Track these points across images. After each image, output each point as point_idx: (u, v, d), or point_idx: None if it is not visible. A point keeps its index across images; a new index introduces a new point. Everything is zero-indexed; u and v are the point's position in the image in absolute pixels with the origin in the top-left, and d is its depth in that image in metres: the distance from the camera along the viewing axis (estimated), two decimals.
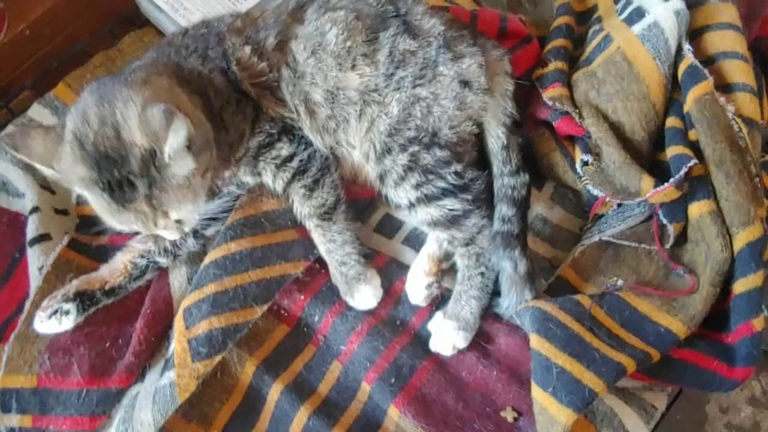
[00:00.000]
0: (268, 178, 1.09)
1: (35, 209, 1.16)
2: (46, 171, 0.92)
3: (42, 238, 1.13)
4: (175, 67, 1.02)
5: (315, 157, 1.08)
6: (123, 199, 0.89)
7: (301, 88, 1.07)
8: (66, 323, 1.03)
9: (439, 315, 1.05)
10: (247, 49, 1.06)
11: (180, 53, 1.06)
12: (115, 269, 1.09)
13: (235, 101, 1.05)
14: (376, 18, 1.08)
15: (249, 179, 1.11)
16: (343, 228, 1.08)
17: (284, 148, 1.07)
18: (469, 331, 1.03)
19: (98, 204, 0.92)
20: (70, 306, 1.03)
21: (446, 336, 1.02)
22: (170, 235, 0.99)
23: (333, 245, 1.07)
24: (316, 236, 1.08)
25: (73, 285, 1.06)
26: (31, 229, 1.14)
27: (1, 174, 1.23)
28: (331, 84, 1.06)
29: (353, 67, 1.05)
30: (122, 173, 0.88)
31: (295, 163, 1.07)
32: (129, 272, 1.09)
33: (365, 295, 1.06)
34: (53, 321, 1.03)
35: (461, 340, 1.02)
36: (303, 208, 1.08)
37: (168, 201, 0.91)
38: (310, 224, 1.08)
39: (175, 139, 0.86)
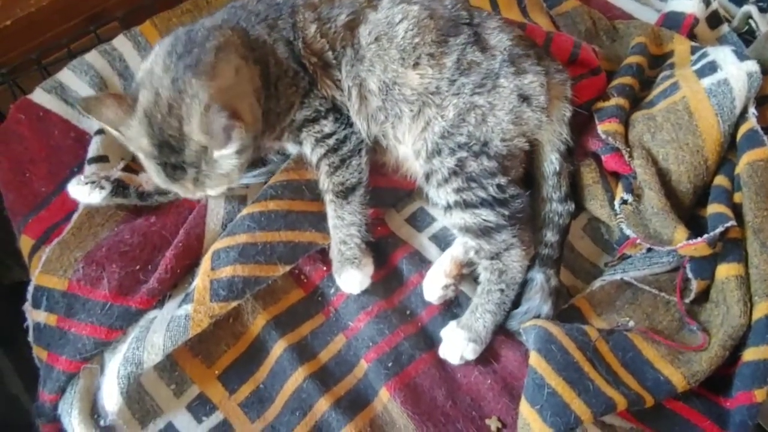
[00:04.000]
0: (307, 149, 1.13)
1: (100, 131, 1.25)
2: (113, 131, 1.03)
3: (100, 159, 1.22)
4: (242, 33, 1.08)
5: (351, 139, 1.12)
6: (173, 177, 1.02)
7: (357, 72, 1.10)
8: (94, 197, 1.12)
9: (452, 324, 1.06)
10: (314, 27, 1.10)
11: (249, 19, 1.10)
12: (150, 178, 1.16)
13: (292, 72, 1.09)
14: (449, 21, 1.10)
15: (291, 147, 1.16)
16: (355, 210, 1.10)
17: (327, 126, 1.11)
18: (479, 344, 1.04)
19: (150, 169, 1.04)
20: (107, 184, 1.12)
21: (456, 345, 1.04)
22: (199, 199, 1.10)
23: (340, 222, 1.10)
24: (329, 210, 1.11)
25: (116, 172, 1.16)
26: (93, 149, 1.23)
27: (77, 92, 1.32)
28: (389, 76, 1.08)
29: (416, 65, 1.07)
30: (177, 160, 1.00)
31: (331, 141, 1.11)
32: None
33: (351, 279, 1.09)
34: (86, 188, 1.12)
35: (470, 352, 1.03)
36: (325, 182, 1.11)
37: (210, 184, 1.04)
38: (327, 198, 1.12)
39: (227, 150, 0.98)
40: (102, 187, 1.11)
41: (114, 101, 0.99)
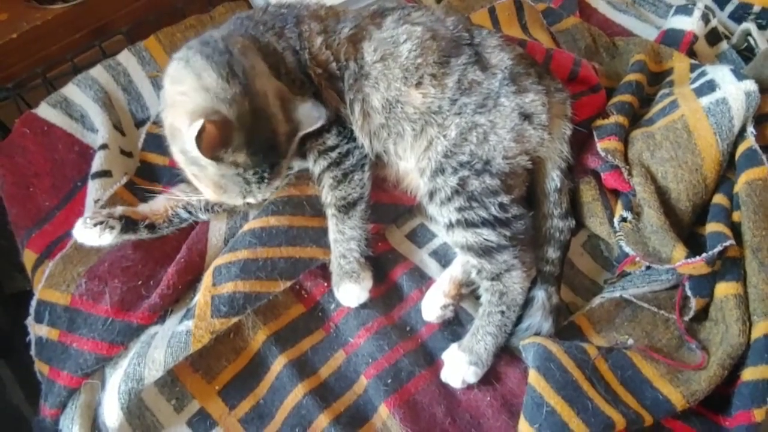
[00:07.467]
0: (310, 161, 1.14)
1: (104, 146, 1.26)
2: (208, 163, 0.99)
3: (104, 173, 1.23)
4: (253, 40, 1.09)
5: (353, 153, 1.12)
6: (269, 178, 1.03)
7: (361, 87, 1.10)
8: (105, 238, 1.10)
9: (454, 346, 1.06)
10: (320, 38, 1.11)
11: (258, 28, 1.11)
12: (156, 210, 1.16)
13: (299, 82, 1.10)
14: (451, 42, 1.11)
15: (294, 160, 1.16)
16: (356, 225, 1.10)
17: (330, 139, 1.11)
18: (481, 367, 1.03)
19: (233, 184, 1.02)
20: (115, 223, 1.10)
21: (458, 368, 1.03)
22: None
23: (341, 236, 1.10)
24: (330, 224, 1.12)
25: (119, 209, 1.14)
26: (96, 164, 1.24)
27: (81, 107, 1.34)
28: (392, 94, 1.09)
29: (418, 84, 1.08)
30: (276, 158, 1.03)
31: (334, 154, 1.11)
32: (169, 218, 1.16)
33: (349, 292, 1.09)
34: (96, 230, 1.10)
35: (471, 375, 1.03)
36: (327, 196, 1.12)
37: (284, 171, 1.08)
38: (328, 212, 1.12)
39: (320, 122, 1.03)
40: (112, 227, 1.10)
41: (213, 128, 0.94)
